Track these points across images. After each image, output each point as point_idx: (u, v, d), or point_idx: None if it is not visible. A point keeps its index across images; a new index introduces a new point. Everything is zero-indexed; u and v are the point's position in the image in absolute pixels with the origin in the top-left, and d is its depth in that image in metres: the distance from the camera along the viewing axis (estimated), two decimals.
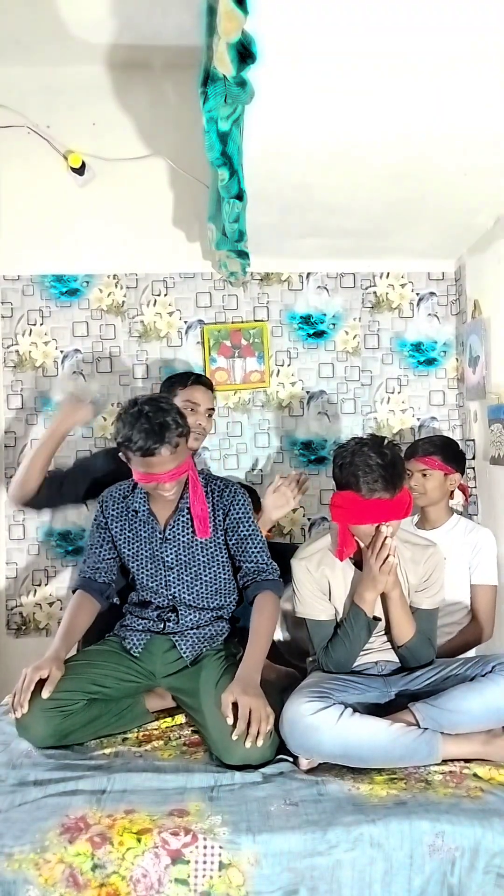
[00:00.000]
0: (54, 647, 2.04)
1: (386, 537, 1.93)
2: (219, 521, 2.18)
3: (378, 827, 1.54)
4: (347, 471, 1.94)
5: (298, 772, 1.80)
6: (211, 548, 2.18)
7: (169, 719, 2.13)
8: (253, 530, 2.20)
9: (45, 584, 3.01)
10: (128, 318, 3.06)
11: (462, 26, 1.51)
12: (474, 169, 2.14)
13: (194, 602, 2.17)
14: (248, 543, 2.18)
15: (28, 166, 2.99)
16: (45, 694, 1.89)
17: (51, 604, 3.02)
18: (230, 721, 1.79)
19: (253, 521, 2.22)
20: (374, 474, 1.90)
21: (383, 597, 2.01)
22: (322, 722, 1.77)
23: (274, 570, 2.19)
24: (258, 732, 1.78)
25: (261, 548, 2.20)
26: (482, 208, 2.51)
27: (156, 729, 2.10)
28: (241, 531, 2.18)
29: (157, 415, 1.98)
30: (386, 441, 1.99)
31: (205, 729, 1.93)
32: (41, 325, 3.03)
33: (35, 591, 3.02)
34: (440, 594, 2.11)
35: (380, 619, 2.03)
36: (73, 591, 2.23)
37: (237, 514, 2.19)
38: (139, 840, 1.53)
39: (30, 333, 3.03)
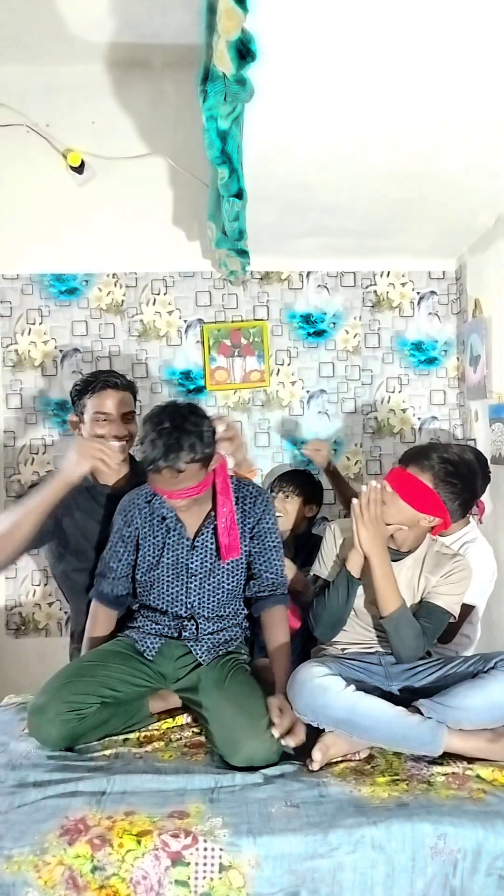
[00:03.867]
0: None
1: (368, 486, 2.00)
2: (247, 529, 2.15)
3: (380, 829, 1.54)
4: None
5: (300, 773, 1.79)
6: (237, 558, 2.15)
7: (170, 720, 2.12)
8: (277, 542, 2.20)
9: (45, 584, 3.01)
10: (127, 317, 3.06)
11: (462, 25, 1.50)
12: (475, 168, 2.14)
13: (212, 612, 2.13)
14: (271, 554, 2.17)
15: (27, 165, 2.98)
16: None
17: (50, 604, 3.01)
18: (276, 720, 1.85)
19: (278, 533, 2.22)
20: (426, 449, 2.08)
21: (367, 565, 2.03)
22: (331, 684, 1.82)
23: (285, 585, 2.20)
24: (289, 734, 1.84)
25: (281, 561, 2.20)
26: (483, 207, 2.50)
27: (157, 730, 2.09)
28: (268, 542, 2.17)
29: (174, 434, 1.88)
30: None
31: (210, 727, 1.92)
32: (40, 324, 3.03)
33: (35, 591, 3.01)
34: (455, 600, 2.08)
35: (361, 580, 2.05)
36: (88, 601, 2.22)
37: (266, 524, 2.17)
38: (139, 842, 1.52)
39: (29, 332, 3.03)
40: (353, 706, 1.80)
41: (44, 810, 1.62)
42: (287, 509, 2.68)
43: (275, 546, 2.18)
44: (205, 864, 1.50)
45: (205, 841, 1.52)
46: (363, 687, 1.93)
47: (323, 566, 2.17)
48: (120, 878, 1.50)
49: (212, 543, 2.12)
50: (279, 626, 2.11)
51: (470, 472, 2.14)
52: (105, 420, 2.25)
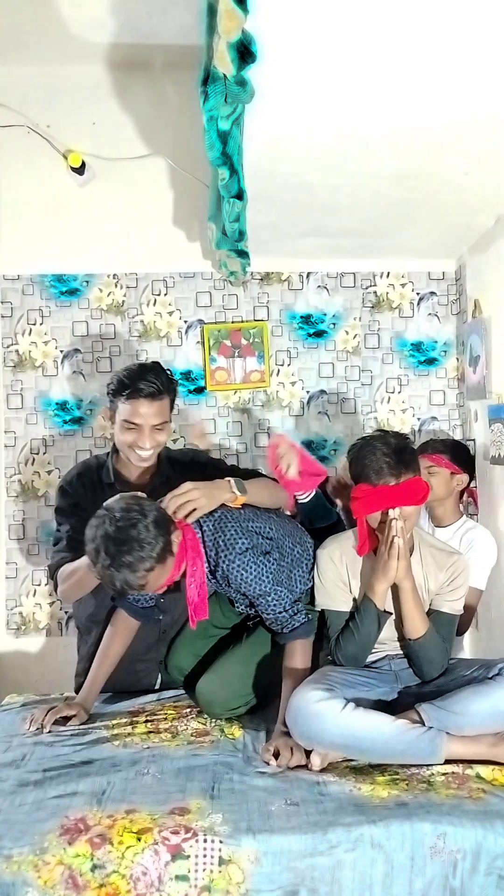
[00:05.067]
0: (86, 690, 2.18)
1: (393, 519, 1.95)
2: (220, 578, 2.05)
3: (379, 828, 1.54)
4: (357, 463, 2.01)
5: (300, 772, 1.79)
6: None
7: (174, 711, 2.17)
8: (262, 589, 1.99)
9: (46, 584, 3.00)
10: (128, 318, 3.06)
11: (463, 26, 1.51)
12: (475, 168, 2.14)
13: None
14: (259, 602, 2.03)
15: (28, 166, 2.99)
16: (76, 722, 2.08)
17: (51, 603, 3.01)
18: (269, 761, 1.83)
19: (258, 577, 1.98)
20: (379, 461, 1.96)
21: (395, 589, 2.00)
22: (326, 710, 1.78)
23: (297, 617, 2.04)
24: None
25: (276, 602, 2.01)
26: (482, 208, 2.50)
27: (164, 720, 2.11)
28: (250, 594, 2.02)
29: (118, 557, 1.77)
30: (393, 432, 2.07)
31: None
32: (41, 324, 3.03)
33: (35, 590, 3.01)
34: (461, 602, 2.09)
35: (391, 614, 2.02)
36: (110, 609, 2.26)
37: (237, 579, 1.99)
38: (139, 839, 1.52)
39: (30, 333, 3.03)
40: (349, 731, 1.77)
41: (44, 810, 1.63)
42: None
43: (260, 594, 2.00)
44: (204, 857, 1.50)
45: (204, 836, 1.52)
46: (365, 702, 1.92)
47: (326, 597, 2.09)
48: (120, 874, 1.50)
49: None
50: (292, 656, 2.04)
51: (461, 443, 2.59)
52: (133, 429, 2.15)
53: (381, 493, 1.96)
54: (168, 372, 2.23)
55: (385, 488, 1.96)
